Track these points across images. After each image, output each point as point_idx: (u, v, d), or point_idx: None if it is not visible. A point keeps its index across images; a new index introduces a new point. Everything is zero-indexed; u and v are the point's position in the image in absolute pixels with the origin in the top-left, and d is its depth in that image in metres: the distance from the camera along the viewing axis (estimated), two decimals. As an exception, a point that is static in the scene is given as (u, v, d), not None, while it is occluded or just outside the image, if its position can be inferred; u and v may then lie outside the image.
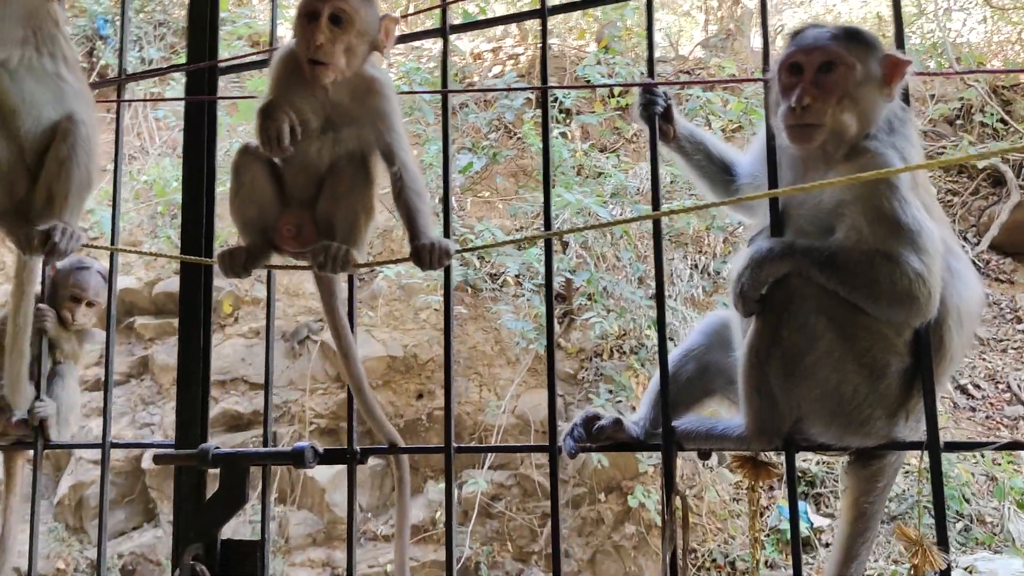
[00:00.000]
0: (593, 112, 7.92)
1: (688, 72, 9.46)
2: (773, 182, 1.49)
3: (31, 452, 2.06)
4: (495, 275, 7.76)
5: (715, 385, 1.71)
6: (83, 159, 1.79)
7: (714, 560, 6.50)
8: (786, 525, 6.54)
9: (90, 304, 2.34)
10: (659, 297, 1.56)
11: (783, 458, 1.50)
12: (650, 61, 1.69)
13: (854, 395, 1.44)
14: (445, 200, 1.78)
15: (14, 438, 2.05)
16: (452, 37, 1.81)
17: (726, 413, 1.68)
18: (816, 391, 1.45)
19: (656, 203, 1.55)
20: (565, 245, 7.51)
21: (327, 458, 1.82)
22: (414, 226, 1.59)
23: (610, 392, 6.82)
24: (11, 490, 2.11)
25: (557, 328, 7.55)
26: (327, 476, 7.10)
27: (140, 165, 8.55)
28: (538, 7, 1.71)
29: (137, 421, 7.70)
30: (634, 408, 2.73)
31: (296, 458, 1.78)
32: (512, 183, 8.29)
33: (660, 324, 1.54)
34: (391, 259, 1.91)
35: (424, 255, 1.55)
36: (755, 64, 8.95)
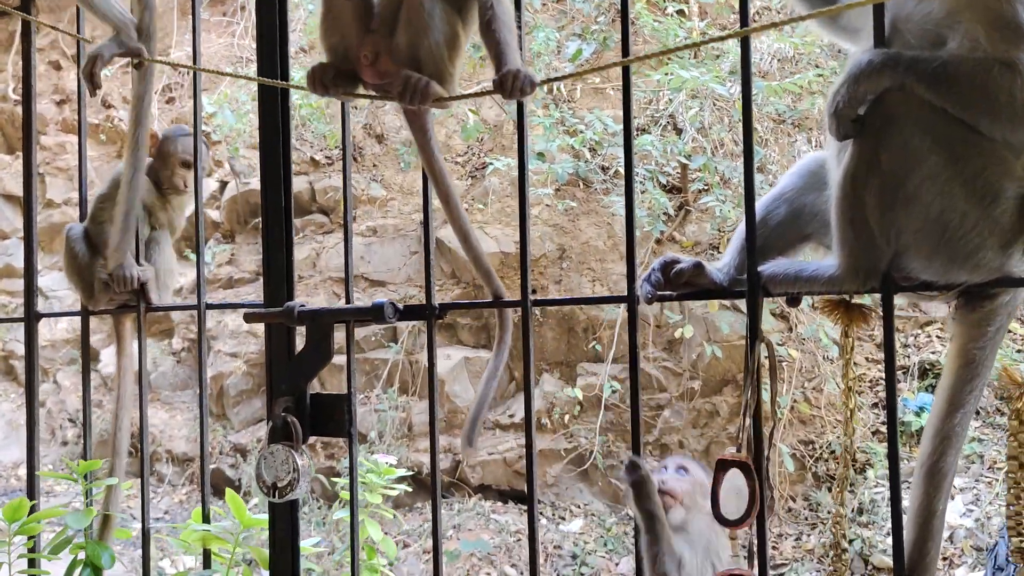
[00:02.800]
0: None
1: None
2: (879, 23, 1.31)
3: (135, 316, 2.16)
4: (606, 167, 7.57)
5: (809, 229, 1.56)
6: None
7: (832, 452, 6.34)
8: (911, 417, 6.26)
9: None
10: (746, 119, 1.41)
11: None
12: None
13: (962, 222, 1.28)
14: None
15: (119, 302, 2.17)
16: None
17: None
18: (918, 219, 1.29)
19: (744, 19, 1.40)
20: (680, 131, 7.21)
21: (406, 314, 1.82)
22: (501, 57, 1.51)
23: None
24: (123, 351, 2.25)
25: (673, 216, 7.34)
26: (446, 368, 7.32)
27: (255, 68, 8.74)
28: None
29: (267, 316, 8.10)
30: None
31: (376, 313, 1.78)
32: (624, 69, 7.98)
33: (747, 147, 1.41)
34: (471, 92, 1.82)
35: (508, 82, 1.48)
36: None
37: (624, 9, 1.62)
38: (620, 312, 6.91)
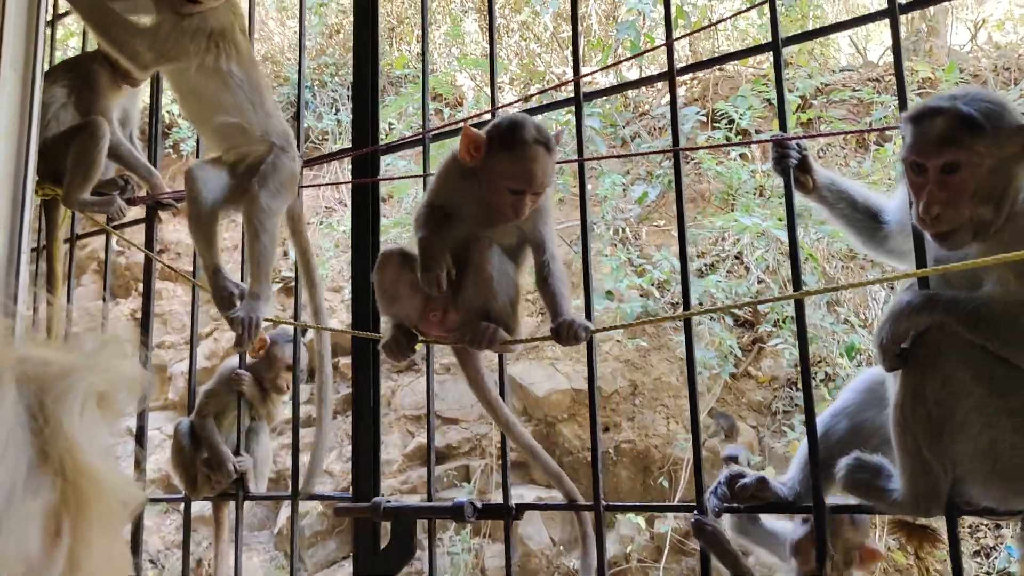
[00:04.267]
0: (771, 130, 7.66)
1: (877, 80, 8.93)
2: (921, 260, 1.43)
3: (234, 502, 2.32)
4: (676, 304, 7.65)
5: (870, 445, 1.61)
6: (267, 241, 2.02)
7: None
8: (1016, 567, 5.92)
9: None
10: (803, 359, 1.52)
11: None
12: (780, 113, 1.67)
13: (1012, 454, 1.33)
14: (586, 278, 1.81)
15: (220, 490, 2.33)
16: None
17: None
18: (968, 449, 1.35)
19: (797, 280, 1.52)
20: (747, 269, 7.29)
21: (484, 513, 1.92)
22: (557, 308, 1.68)
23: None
24: (220, 536, 2.39)
25: (744, 356, 7.32)
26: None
27: (339, 217, 9.25)
28: (666, 70, 1.74)
29: (343, 455, 8.25)
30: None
31: (456, 513, 1.89)
32: (690, 208, 8.17)
33: (805, 382, 1.51)
34: (533, 338, 1.96)
35: (563, 331, 1.64)
36: (952, 62, 8.29)
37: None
38: (691, 449, 6.83)
